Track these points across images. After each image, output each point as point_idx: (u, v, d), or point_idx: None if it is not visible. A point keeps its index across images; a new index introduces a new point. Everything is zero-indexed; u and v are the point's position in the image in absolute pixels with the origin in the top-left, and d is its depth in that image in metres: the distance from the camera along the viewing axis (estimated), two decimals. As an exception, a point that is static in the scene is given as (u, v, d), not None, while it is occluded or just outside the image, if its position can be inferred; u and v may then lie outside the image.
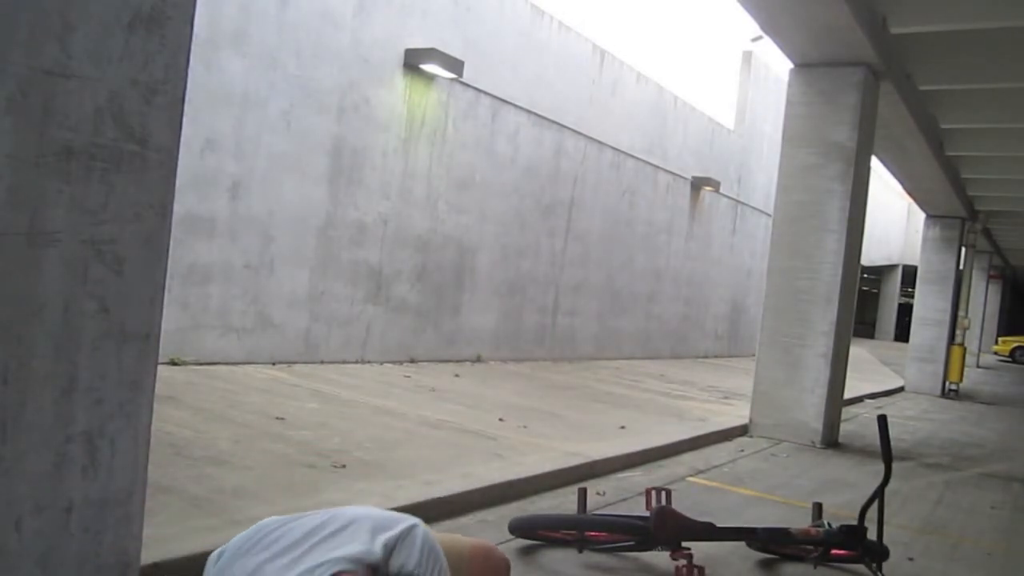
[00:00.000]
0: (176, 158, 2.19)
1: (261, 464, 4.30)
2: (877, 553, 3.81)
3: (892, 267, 35.90)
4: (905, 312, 27.18)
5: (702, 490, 5.44)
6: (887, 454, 3.82)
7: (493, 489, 4.50)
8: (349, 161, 8.56)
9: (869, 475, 6.28)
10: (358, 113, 8.58)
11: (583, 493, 3.83)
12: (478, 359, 10.56)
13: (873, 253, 29.02)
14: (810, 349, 7.76)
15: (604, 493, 4.91)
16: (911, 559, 4.33)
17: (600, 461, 5.51)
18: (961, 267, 16.62)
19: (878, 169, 12.47)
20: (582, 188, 12.27)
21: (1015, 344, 33.34)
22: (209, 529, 3.23)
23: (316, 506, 3.68)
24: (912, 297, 18.63)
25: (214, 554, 1.92)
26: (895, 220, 32.23)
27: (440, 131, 9.65)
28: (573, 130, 11.87)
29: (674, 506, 3.72)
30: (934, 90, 9.71)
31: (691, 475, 5.85)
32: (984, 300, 26.93)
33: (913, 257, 24.94)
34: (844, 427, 8.57)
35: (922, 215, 16.82)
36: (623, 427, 6.90)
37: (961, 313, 16.62)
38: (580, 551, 3.71)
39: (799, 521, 4.16)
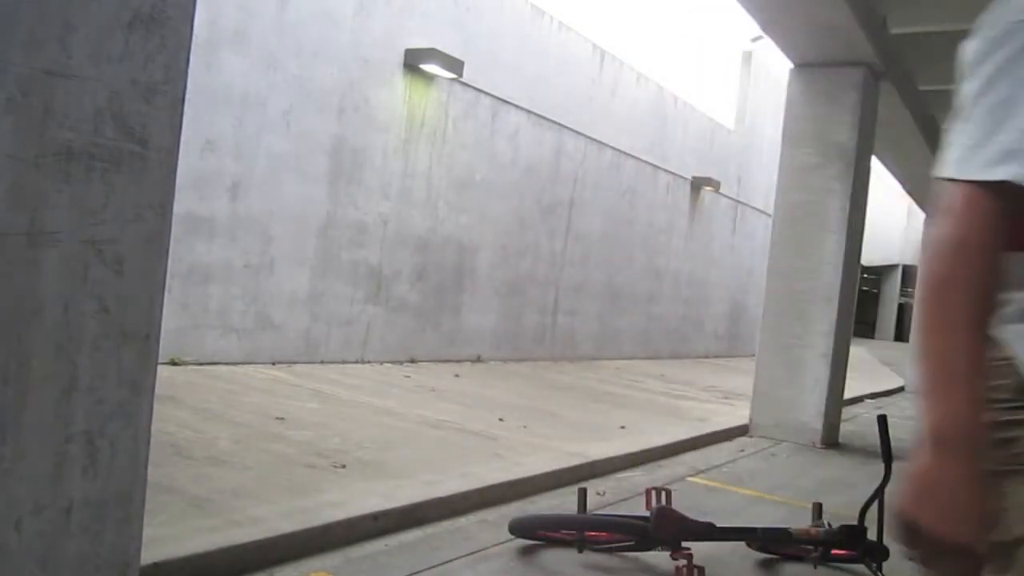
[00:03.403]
0: (176, 158, 2.19)
1: (261, 464, 4.30)
2: (877, 553, 3.81)
3: (892, 267, 35.91)
4: (905, 312, 27.17)
5: (702, 490, 5.44)
6: (887, 454, 3.82)
7: (493, 489, 4.50)
8: (349, 161, 8.56)
9: (869, 475, 6.26)
10: (358, 113, 8.58)
11: (583, 493, 3.83)
12: (478, 359, 10.56)
13: (873, 253, 29.00)
14: (810, 349, 7.76)
15: (604, 493, 4.91)
16: (911, 559, 4.33)
17: (600, 461, 5.51)
18: (961, 267, 16.59)
19: (878, 169, 12.46)
20: (582, 188, 12.27)
21: (1015, 344, 33.27)
22: (209, 529, 3.23)
23: (316, 506, 3.70)
24: (912, 297, 18.60)
25: None
26: (895, 220, 32.22)
27: (440, 131, 9.65)
28: (573, 130, 11.86)
29: (674, 506, 3.72)
30: (934, 90, 9.71)
31: (691, 475, 5.85)
32: (984, 300, 26.86)
33: (913, 257, 24.92)
34: (844, 427, 8.57)
35: (922, 215, 16.81)
36: (623, 427, 6.90)
37: (961, 313, 16.58)
38: (580, 551, 3.70)
39: (799, 521, 4.16)
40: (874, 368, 19.29)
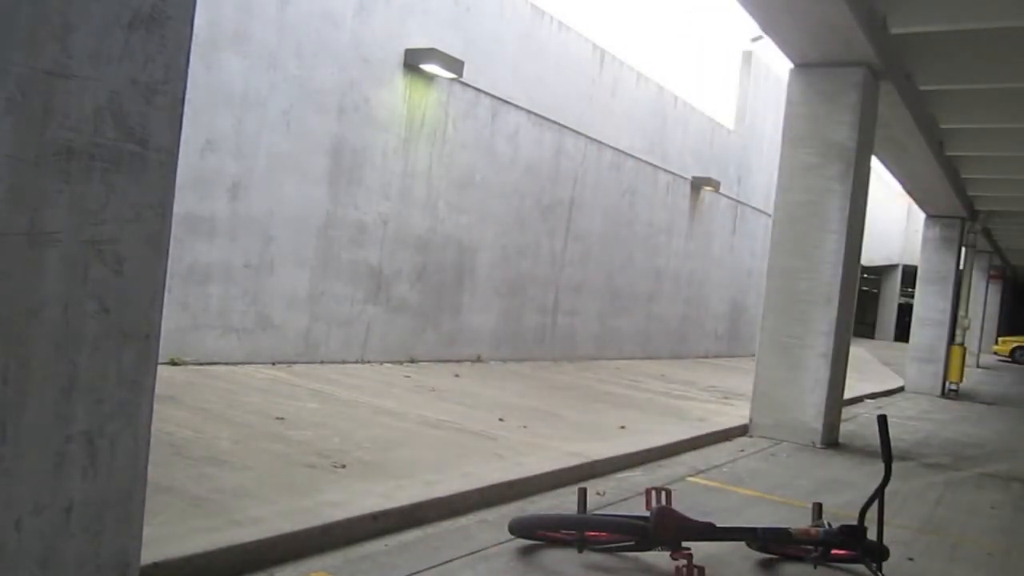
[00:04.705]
0: (176, 158, 2.19)
1: (261, 464, 4.30)
2: (877, 553, 3.81)
3: (892, 267, 35.91)
4: (905, 312, 27.18)
5: (702, 490, 5.44)
6: (887, 454, 3.82)
7: (493, 489, 4.50)
8: (349, 161, 8.55)
9: (869, 475, 6.28)
10: (358, 113, 8.58)
11: (583, 493, 3.83)
12: (478, 359, 10.56)
13: (873, 253, 29.02)
14: (810, 349, 7.76)
15: (604, 493, 4.91)
16: (911, 559, 4.33)
17: (600, 461, 5.51)
18: (961, 267, 16.62)
19: (878, 169, 12.46)
20: (582, 188, 12.27)
21: (1015, 344, 33.31)
22: (209, 529, 3.23)
23: (316, 506, 3.70)
24: (912, 297, 18.62)
25: None
26: (895, 220, 32.22)
27: (440, 131, 9.65)
28: (573, 130, 11.87)
29: (674, 506, 3.72)
30: (934, 90, 9.70)
31: (691, 475, 5.85)
32: (984, 300, 26.91)
33: (913, 257, 24.93)
34: (844, 427, 8.57)
35: (922, 215, 16.82)
36: (623, 427, 6.90)
37: (961, 313, 16.61)
38: (580, 551, 3.70)
39: (799, 521, 4.16)
40: (874, 368, 19.30)
